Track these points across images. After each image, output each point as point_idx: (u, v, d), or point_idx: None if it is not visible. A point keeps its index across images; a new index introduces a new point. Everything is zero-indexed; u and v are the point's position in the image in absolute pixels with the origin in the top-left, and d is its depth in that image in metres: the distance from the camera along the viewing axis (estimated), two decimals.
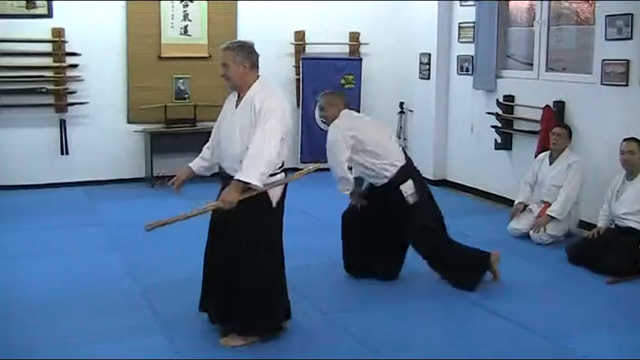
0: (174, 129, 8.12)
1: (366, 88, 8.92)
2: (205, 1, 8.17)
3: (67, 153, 7.97)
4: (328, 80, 8.49)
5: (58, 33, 7.79)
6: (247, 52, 3.74)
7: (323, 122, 5.24)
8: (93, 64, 7.92)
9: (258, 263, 3.75)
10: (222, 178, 3.86)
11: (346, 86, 8.72)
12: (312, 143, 8.63)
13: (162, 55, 8.12)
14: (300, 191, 4.77)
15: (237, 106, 3.78)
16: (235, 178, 3.58)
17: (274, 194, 3.76)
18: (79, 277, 4.98)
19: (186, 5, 8.13)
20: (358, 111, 8.72)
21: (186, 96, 8.31)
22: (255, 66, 3.79)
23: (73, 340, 3.87)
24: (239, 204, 3.61)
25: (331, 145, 4.68)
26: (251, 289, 3.77)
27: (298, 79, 8.66)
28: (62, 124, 7.95)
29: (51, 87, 7.85)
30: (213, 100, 8.09)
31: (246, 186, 3.58)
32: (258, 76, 3.81)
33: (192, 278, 4.31)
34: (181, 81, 8.29)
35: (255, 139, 3.59)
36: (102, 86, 8.00)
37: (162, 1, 8.02)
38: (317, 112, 4.63)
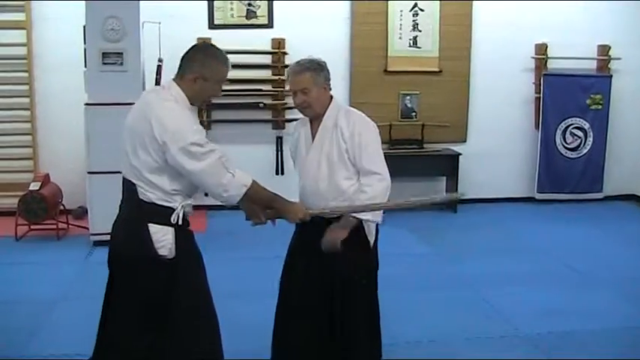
0: (400, 150, 7.29)
1: (616, 110, 7.76)
2: (437, 11, 7.35)
3: (282, 173, 7.36)
4: (572, 100, 7.62)
5: (279, 44, 7.26)
6: (327, 71, 3.18)
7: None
8: None
9: None
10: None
11: (592, 107, 7.59)
12: (551, 171, 7.62)
13: (388, 69, 7.37)
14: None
15: (313, 136, 3.21)
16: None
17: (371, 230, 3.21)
18: None
19: (416, 14, 7.34)
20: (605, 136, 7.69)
21: (414, 114, 7.50)
22: (330, 86, 3.24)
23: None
24: None
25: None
26: None
27: (538, 98, 7.60)
28: (278, 141, 7.39)
29: (268, 102, 7.33)
30: (443, 120, 7.47)
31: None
32: (332, 96, 3.24)
33: None
34: (408, 98, 7.49)
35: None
36: None
37: (389, 11, 7.29)
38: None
